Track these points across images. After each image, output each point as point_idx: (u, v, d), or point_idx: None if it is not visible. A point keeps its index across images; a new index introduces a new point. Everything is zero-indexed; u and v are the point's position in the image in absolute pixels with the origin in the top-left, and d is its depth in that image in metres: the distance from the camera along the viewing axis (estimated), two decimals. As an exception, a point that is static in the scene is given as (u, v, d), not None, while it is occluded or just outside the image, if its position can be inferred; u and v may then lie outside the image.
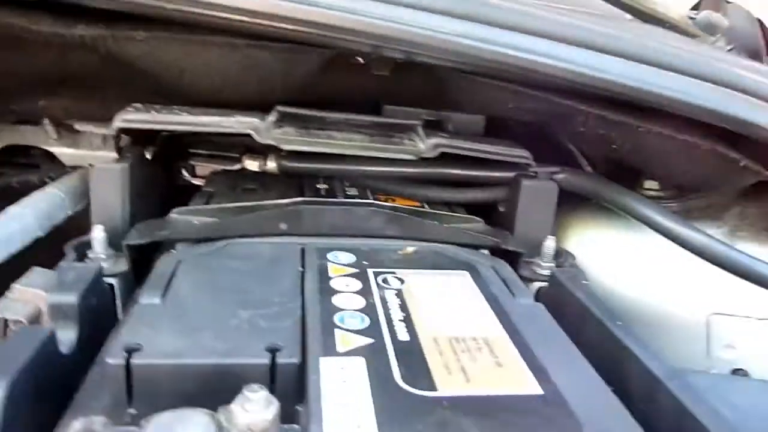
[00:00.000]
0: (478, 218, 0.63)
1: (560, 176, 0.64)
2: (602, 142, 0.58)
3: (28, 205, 0.53)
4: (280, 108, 0.58)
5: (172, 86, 0.57)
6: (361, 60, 0.60)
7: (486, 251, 0.58)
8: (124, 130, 0.57)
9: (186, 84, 0.57)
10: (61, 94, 0.78)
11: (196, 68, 0.55)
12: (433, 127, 0.69)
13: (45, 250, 0.57)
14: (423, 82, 0.64)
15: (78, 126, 0.56)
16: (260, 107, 0.59)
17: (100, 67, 0.64)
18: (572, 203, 0.69)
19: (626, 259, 0.66)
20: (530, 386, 0.36)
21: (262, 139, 0.56)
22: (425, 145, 0.61)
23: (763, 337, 0.60)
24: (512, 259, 0.58)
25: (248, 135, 0.56)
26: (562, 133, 0.66)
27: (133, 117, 0.54)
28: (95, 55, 0.56)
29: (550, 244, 0.60)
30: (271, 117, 0.58)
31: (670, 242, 0.59)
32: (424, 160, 0.64)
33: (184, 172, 0.75)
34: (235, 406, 0.30)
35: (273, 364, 0.36)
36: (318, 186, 0.68)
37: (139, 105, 0.58)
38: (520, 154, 0.63)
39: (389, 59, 0.57)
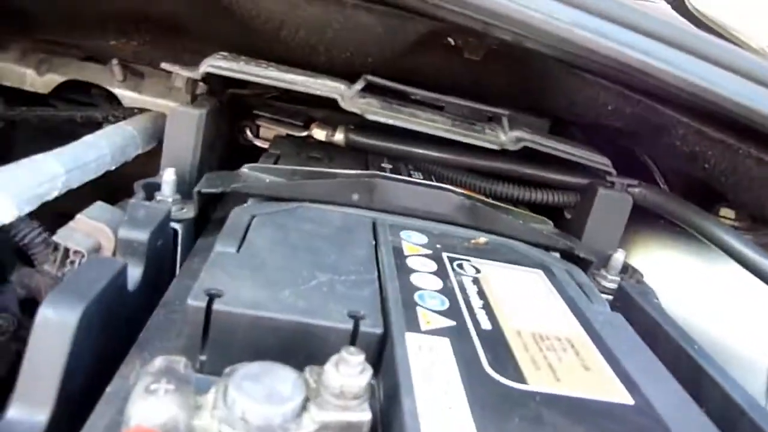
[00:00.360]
0: (548, 220, 0.61)
1: (636, 190, 0.62)
2: (695, 159, 0.55)
3: (104, 137, 0.52)
4: (368, 77, 0.57)
5: (266, 39, 0.56)
6: (453, 42, 0.58)
7: (557, 254, 0.56)
8: (206, 78, 0.56)
9: (281, 39, 0.55)
10: (134, 36, 0.78)
11: (297, 23, 0.53)
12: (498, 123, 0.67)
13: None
14: (512, 75, 0.62)
15: (164, 65, 0.54)
16: (346, 76, 0.57)
17: (185, 11, 0.63)
18: (640, 219, 0.67)
19: (692, 285, 0.64)
20: (620, 394, 0.34)
21: (346, 105, 0.54)
22: (507, 137, 0.59)
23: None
24: (583, 267, 0.56)
25: (328, 100, 0.54)
26: (649, 145, 0.64)
27: (222, 64, 0.53)
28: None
29: (619, 257, 0.58)
30: (358, 85, 0.56)
31: (737, 275, 0.57)
32: (498, 153, 0.62)
33: (249, 132, 0.74)
34: (329, 366, 0.29)
35: (355, 331, 0.35)
36: (383, 165, 0.66)
37: (226, 53, 0.56)
38: (601, 160, 0.61)
39: (486, 43, 0.55)
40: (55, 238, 0.49)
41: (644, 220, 0.68)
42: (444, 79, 0.64)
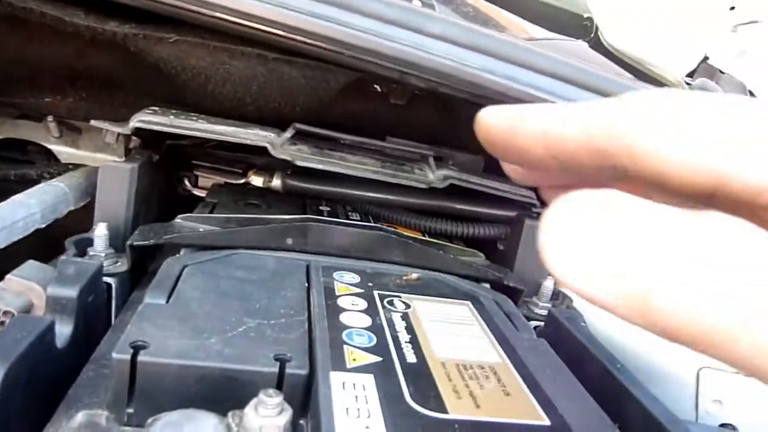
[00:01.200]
0: (479, 252, 0.64)
1: (561, 219, 0.66)
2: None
3: (33, 196, 0.52)
4: (297, 125, 0.59)
5: (193, 93, 0.57)
6: (379, 88, 0.61)
7: (487, 285, 0.58)
8: (137, 132, 0.57)
9: (209, 92, 0.57)
10: (69, 93, 0.78)
11: (222, 77, 0.55)
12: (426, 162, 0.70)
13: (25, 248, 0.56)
14: (436, 115, 0.65)
15: (93, 122, 0.55)
16: (276, 125, 0.59)
17: (117, 67, 0.64)
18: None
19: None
20: (538, 416, 0.36)
21: (277, 153, 0.56)
22: (435, 175, 0.62)
23: (750, 393, 0.61)
24: (511, 296, 0.59)
25: (263, 148, 0.56)
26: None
27: (152, 119, 0.54)
28: (117, 53, 0.56)
29: (548, 284, 0.61)
30: (287, 133, 0.58)
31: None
32: (430, 192, 0.65)
33: (186, 182, 0.75)
34: (249, 410, 0.30)
35: (281, 374, 0.36)
36: (320, 208, 0.68)
37: (156, 108, 0.58)
38: (525, 193, 0.65)
39: (409, 89, 0.58)
40: (-17, 300, 0.48)
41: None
42: (373, 123, 0.66)
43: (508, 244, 0.67)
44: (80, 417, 0.29)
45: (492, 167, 0.80)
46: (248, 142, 0.55)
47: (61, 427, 0.34)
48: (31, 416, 0.37)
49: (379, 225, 0.59)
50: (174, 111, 0.57)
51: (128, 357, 0.34)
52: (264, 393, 0.30)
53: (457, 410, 0.35)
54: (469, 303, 0.52)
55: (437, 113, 0.65)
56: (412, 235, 0.64)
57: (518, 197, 0.65)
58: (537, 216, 0.65)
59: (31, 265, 0.53)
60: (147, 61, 0.55)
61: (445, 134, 0.74)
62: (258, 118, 0.60)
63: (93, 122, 0.56)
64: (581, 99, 0.50)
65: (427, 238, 0.64)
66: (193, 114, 0.58)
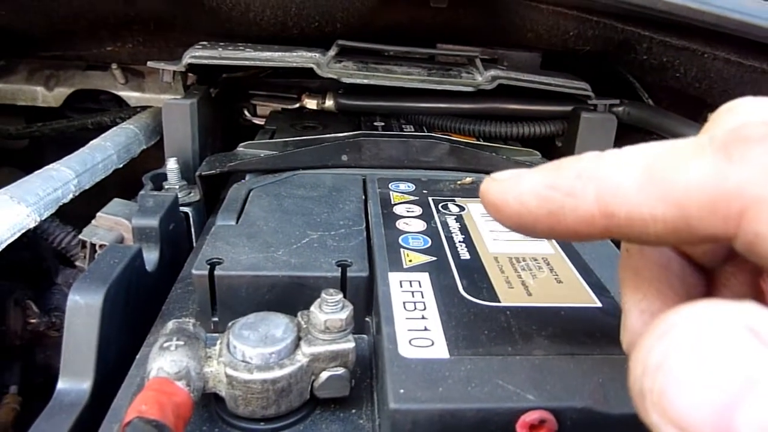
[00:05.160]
0: (535, 151, 0.64)
1: (619, 108, 0.64)
2: (665, 70, 0.56)
3: (108, 139, 0.57)
4: (341, 42, 0.59)
5: (237, 23, 0.59)
6: (419, -7, 0.60)
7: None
8: (192, 68, 0.60)
9: (251, 20, 0.58)
10: (128, 39, 0.82)
11: (260, 2, 0.56)
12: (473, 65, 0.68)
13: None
14: (480, 16, 0.63)
15: (150, 64, 0.58)
16: (322, 44, 0.60)
17: (166, 8, 0.66)
18: (632, 138, 0.68)
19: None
20: (589, 299, 0.37)
21: (323, 72, 0.57)
22: (483, 77, 0.61)
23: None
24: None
25: (310, 69, 0.57)
26: (622, 64, 0.65)
27: (201, 53, 0.56)
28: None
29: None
30: (332, 51, 0.59)
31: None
32: (481, 95, 0.64)
33: (246, 112, 0.77)
34: (314, 308, 0.33)
35: (344, 277, 0.39)
36: (375, 123, 0.69)
37: (205, 42, 0.60)
38: (579, 85, 0.63)
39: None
40: (80, 236, 0.54)
41: (636, 138, 0.69)
42: (416, 31, 0.66)
43: (566, 140, 0.66)
44: (171, 324, 0.33)
45: (550, 63, 0.78)
46: (294, 64, 0.56)
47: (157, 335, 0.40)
48: (134, 330, 0.42)
49: (431, 134, 0.60)
50: (222, 44, 0.59)
51: (206, 272, 0.38)
52: (325, 292, 0.32)
53: (509, 299, 0.37)
54: (524, 201, 0.52)
55: (484, 13, 0.63)
56: (465, 140, 0.64)
57: (573, 90, 0.63)
58: (593, 108, 0.63)
59: (116, 203, 0.58)
60: (192, -3, 0.57)
61: (498, 35, 0.72)
62: (303, 40, 0.60)
63: (149, 63, 0.59)
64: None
65: (480, 142, 0.64)
66: (240, 44, 0.59)
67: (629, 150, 0.19)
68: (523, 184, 0.21)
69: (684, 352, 0.15)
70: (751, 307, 0.15)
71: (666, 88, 0.66)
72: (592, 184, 0.19)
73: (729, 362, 0.14)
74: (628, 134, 0.68)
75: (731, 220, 0.16)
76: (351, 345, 0.32)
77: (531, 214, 0.21)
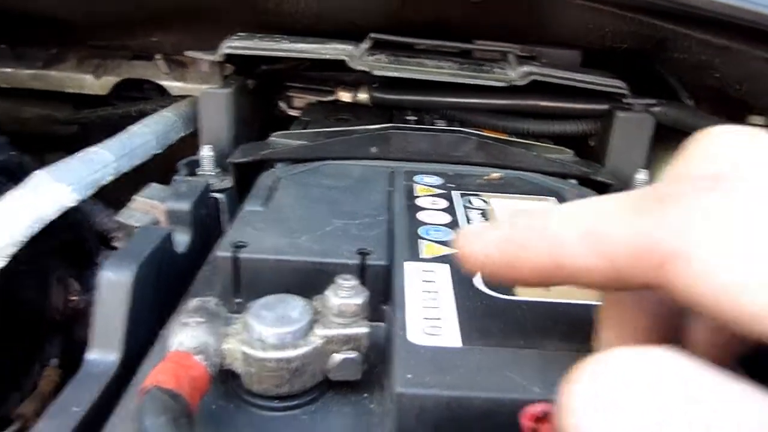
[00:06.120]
0: (567, 149, 0.63)
1: (657, 109, 0.62)
2: (704, 70, 0.55)
3: (148, 125, 0.59)
4: (374, 35, 0.60)
5: (273, 15, 0.60)
6: (454, -13, 0.60)
7: (574, 181, 0.58)
8: (228, 58, 0.61)
9: (286, 12, 0.60)
10: (171, 30, 0.84)
11: (295, -6, 0.58)
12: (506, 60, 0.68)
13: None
14: (516, 12, 0.63)
15: (188, 53, 0.60)
16: (357, 38, 0.61)
17: (206, 2, 0.68)
18: (671, 139, 0.67)
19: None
20: (608, 298, 0.37)
21: (355, 65, 0.58)
22: (516, 72, 0.61)
23: None
24: (601, 192, 0.58)
25: (342, 61, 0.58)
26: (661, 62, 0.64)
27: (237, 44, 0.58)
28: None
29: (641, 177, 0.59)
30: (365, 44, 0.60)
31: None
32: (514, 91, 0.64)
33: (282, 104, 0.79)
34: (329, 292, 0.34)
35: (363, 265, 0.39)
36: (407, 117, 0.69)
37: (243, 34, 0.61)
38: (615, 84, 0.62)
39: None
40: (117, 218, 0.57)
41: (676, 139, 0.68)
42: (451, 26, 0.66)
43: (599, 140, 0.65)
44: (194, 303, 0.34)
45: (592, 61, 0.77)
46: (327, 56, 0.57)
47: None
48: (162, 308, 0.44)
49: (462, 129, 0.60)
50: (259, 35, 0.61)
51: (230, 255, 0.39)
52: (340, 278, 0.33)
53: (526, 293, 0.37)
54: (553, 199, 0.52)
55: (518, 9, 0.63)
56: (496, 136, 0.64)
57: (609, 89, 0.62)
58: (629, 107, 0.62)
59: (152, 187, 0.60)
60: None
61: (534, 31, 0.72)
62: (338, 34, 0.61)
63: (187, 53, 0.61)
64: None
65: (512, 138, 0.64)
66: (276, 36, 0.61)
67: (575, 205, 0.22)
68: (486, 238, 0.24)
69: (583, 399, 0.17)
70: (659, 354, 0.17)
71: (707, 88, 0.64)
72: (543, 240, 0.22)
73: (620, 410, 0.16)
74: (668, 135, 0.66)
75: (654, 271, 0.18)
76: (364, 330, 0.33)
77: (494, 264, 0.24)
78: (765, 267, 0.16)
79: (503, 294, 0.36)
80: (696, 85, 0.65)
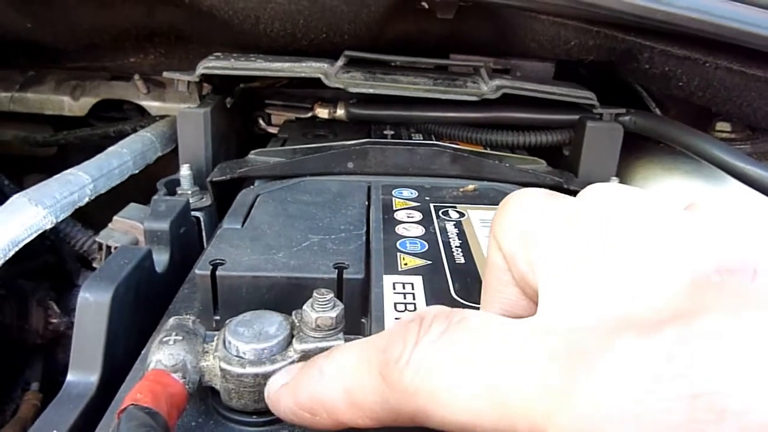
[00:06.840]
0: (540, 160, 0.64)
1: (625, 118, 0.64)
2: (668, 79, 0.57)
3: (125, 146, 0.60)
4: (348, 53, 0.61)
5: (249, 35, 0.61)
6: (425, 5, 0.61)
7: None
8: (206, 78, 0.62)
9: (262, 32, 0.60)
10: (149, 51, 0.85)
11: (269, 15, 0.58)
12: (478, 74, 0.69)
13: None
14: (486, 27, 0.65)
15: (165, 74, 0.61)
16: (332, 55, 0.62)
17: (183, 21, 0.69)
18: (640, 147, 0.68)
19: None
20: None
21: (330, 82, 0.59)
22: (488, 86, 0.62)
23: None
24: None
25: (318, 79, 0.59)
26: (626, 73, 0.66)
27: (214, 64, 0.59)
28: (179, 9, 0.60)
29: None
30: (340, 62, 0.61)
31: (741, 189, 0.58)
32: (488, 104, 0.65)
33: (260, 121, 0.80)
34: (306, 307, 0.34)
35: (340, 279, 0.40)
36: (385, 132, 0.70)
37: (219, 54, 0.62)
38: (584, 95, 0.63)
39: (453, 1, 0.58)
40: (97, 239, 0.57)
41: (645, 146, 0.69)
42: (424, 42, 0.67)
43: (572, 149, 0.67)
44: (171, 321, 0.35)
45: (565, 73, 0.78)
46: (302, 74, 0.58)
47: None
48: (142, 328, 0.44)
49: (435, 142, 0.61)
50: (235, 55, 0.62)
51: (208, 272, 0.40)
52: (317, 292, 0.34)
53: (500, 302, 0.38)
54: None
55: (489, 24, 0.65)
56: (471, 149, 0.65)
57: (578, 100, 0.64)
58: (599, 117, 0.64)
59: (132, 207, 0.61)
60: (203, 10, 0.59)
61: (505, 45, 0.73)
62: (313, 52, 0.62)
63: (165, 74, 0.62)
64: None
65: (487, 151, 0.65)
66: (252, 55, 0.62)
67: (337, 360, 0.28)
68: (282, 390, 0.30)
69: None
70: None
71: (673, 97, 0.66)
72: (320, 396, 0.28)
73: None
74: (636, 144, 0.68)
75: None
76: (341, 343, 0.33)
77: (294, 415, 0.29)
78: None
79: (477, 303, 0.37)
80: (662, 93, 0.66)
